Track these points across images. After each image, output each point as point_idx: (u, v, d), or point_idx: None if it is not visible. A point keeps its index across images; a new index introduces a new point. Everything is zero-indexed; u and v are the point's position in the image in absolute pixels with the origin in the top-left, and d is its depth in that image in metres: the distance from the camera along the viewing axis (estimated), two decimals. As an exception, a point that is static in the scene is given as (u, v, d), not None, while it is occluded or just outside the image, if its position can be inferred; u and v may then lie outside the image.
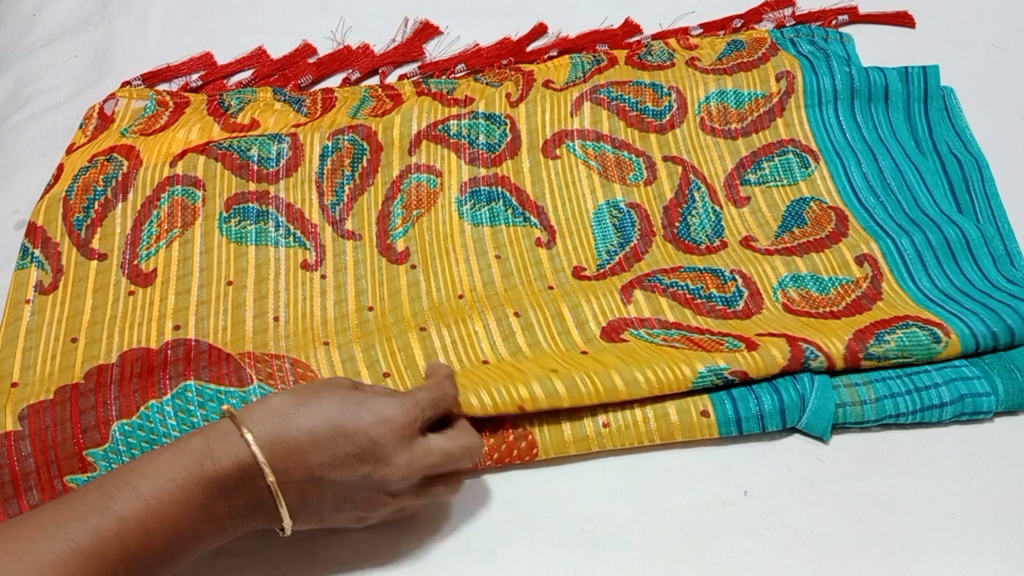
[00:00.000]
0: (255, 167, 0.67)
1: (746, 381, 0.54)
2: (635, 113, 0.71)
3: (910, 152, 0.67)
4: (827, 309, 0.60)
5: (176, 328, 0.59)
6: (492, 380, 0.54)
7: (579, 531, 0.52)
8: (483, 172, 0.68)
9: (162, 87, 0.77)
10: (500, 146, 0.69)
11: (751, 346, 0.55)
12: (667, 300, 0.60)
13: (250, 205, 0.66)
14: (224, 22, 0.82)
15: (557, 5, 0.81)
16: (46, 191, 0.66)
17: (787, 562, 0.50)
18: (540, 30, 0.80)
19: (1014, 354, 0.57)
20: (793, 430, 0.55)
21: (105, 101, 0.74)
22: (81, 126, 0.73)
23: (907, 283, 0.60)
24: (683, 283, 0.61)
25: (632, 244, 0.64)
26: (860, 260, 0.61)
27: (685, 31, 0.79)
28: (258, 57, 0.78)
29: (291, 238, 0.64)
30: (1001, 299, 0.58)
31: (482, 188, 0.67)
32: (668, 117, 0.71)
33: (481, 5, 0.82)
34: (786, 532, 0.51)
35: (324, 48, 0.79)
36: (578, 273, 0.63)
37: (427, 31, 0.80)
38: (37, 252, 0.63)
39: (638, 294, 0.60)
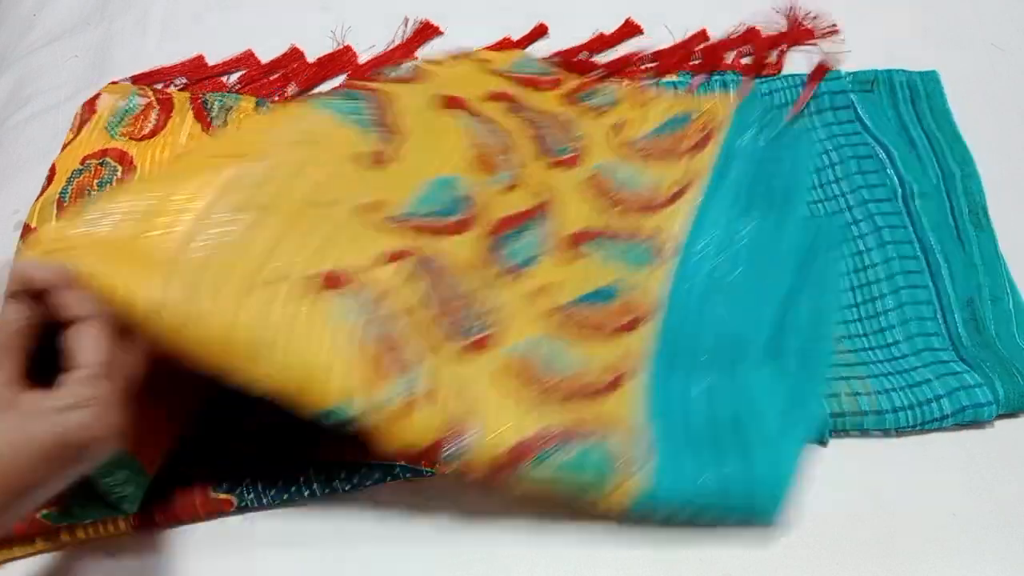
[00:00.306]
0: None
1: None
2: (538, 135, 0.65)
3: (786, 277, 0.59)
4: (544, 387, 0.51)
5: None
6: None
7: (579, 531, 0.52)
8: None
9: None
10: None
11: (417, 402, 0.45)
12: (423, 282, 0.51)
13: None
14: (224, 22, 0.82)
15: (558, 5, 0.81)
16: (40, 194, 0.66)
17: (787, 562, 0.50)
18: (540, 31, 0.80)
19: (1015, 356, 0.57)
20: (793, 430, 0.55)
21: (89, 102, 0.74)
22: (71, 128, 0.72)
23: (648, 394, 0.53)
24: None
25: (443, 222, 0.55)
26: (616, 382, 0.53)
27: (638, 64, 0.74)
28: (246, 60, 0.78)
29: None
30: (738, 451, 0.51)
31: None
32: (566, 157, 0.65)
33: (481, 5, 0.82)
34: (786, 532, 0.52)
35: (324, 48, 0.79)
36: (374, 207, 0.53)
37: (427, 31, 0.80)
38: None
39: (404, 265, 0.51)
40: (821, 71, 0.72)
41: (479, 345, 0.51)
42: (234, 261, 0.44)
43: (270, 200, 0.48)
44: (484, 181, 0.59)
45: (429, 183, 0.56)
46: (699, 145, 0.67)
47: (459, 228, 0.55)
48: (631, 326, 0.56)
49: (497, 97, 0.66)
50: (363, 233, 0.50)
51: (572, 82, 0.72)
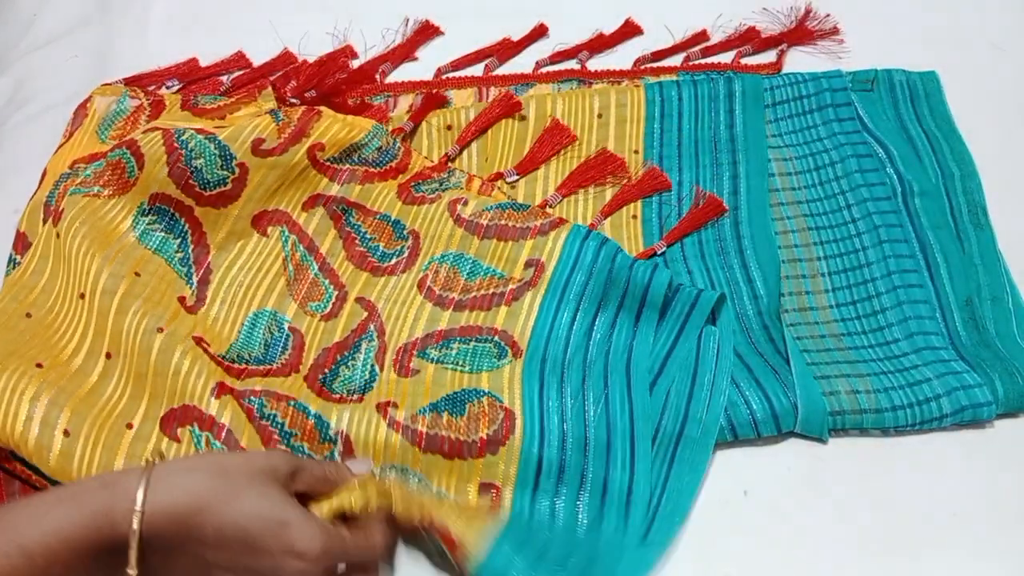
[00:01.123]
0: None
1: None
2: (361, 249, 0.63)
3: (640, 387, 0.55)
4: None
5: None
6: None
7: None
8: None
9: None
10: (224, 183, 0.62)
11: None
12: (251, 426, 0.53)
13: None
14: (224, 22, 0.82)
15: (558, 5, 0.81)
16: (31, 197, 0.66)
17: (787, 562, 0.51)
18: (540, 31, 0.80)
19: (1015, 356, 0.57)
20: (791, 431, 0.55)
21: (82, 104, 0.74)
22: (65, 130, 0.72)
23: (520, 509, 0.51)
24: (277, 416, 0.53)
25: (266, 367, 0.58)
26: (486, 488, 0.52)
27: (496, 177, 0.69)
28: (237, 61, 0.78)
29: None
30: None
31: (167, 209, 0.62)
32: (391, 263, 0.62)
33: (481, 5, 0.82)
34: (786, 532, 0.52)
35: (324, 48, 0.79)
36: (199, 342, 0.57)
37: (427, 31, 0.80)
38: (18, 259, 0.63)
39: (228, 401, 0.54)
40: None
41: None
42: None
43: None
44: (303, 310, 0.60)
45: (251, 321, 0.60)
46: (538, 230, 0.62)
47: (278, 374, 0.57)
48: (497, 442, 0.52)
49: (314, 202, 0.64)
50: (198, 360, 0.56)
51: (416, 165, 0.67)
